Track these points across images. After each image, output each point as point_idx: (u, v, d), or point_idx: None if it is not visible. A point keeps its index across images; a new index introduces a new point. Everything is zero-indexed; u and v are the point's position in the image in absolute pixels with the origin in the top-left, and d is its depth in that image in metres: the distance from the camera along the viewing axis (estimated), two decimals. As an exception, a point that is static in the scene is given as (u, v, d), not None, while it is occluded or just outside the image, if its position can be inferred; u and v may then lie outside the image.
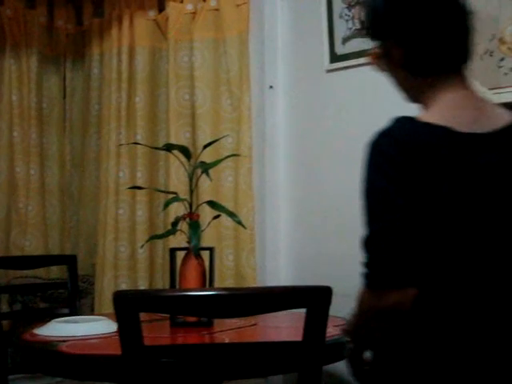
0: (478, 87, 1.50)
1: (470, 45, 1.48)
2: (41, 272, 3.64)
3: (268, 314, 2.34)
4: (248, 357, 1.59)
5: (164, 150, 2.51)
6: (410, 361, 1.42)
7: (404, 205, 1.35)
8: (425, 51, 1.44)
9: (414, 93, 1.52)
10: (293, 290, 1.67)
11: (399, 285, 1.35)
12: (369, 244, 1.37)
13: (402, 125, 1.40)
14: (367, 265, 1.37)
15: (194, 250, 2.29)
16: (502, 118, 1.47)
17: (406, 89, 1.53)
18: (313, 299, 1.54)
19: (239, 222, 2.40)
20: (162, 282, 3.51)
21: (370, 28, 1.54)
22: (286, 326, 2.37)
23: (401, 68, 1.49)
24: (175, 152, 2.50)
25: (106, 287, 3.50)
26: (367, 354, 1.48)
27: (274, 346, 1.65)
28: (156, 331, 2.29)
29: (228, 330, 2.25)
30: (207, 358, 1.60)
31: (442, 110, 1.43)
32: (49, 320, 2.35)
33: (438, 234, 1.38)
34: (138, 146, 3.45)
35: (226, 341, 2.12)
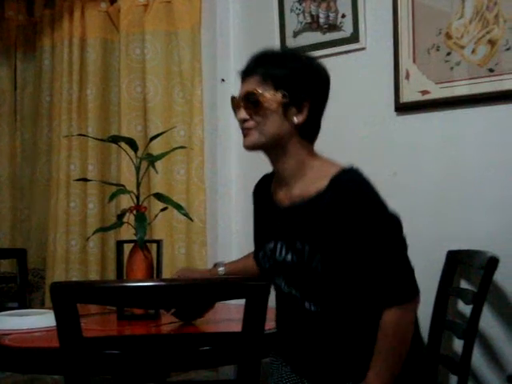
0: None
1: None
2: (-8, 266, 3.61)
3: (219, 307, 2.34)
4: (187, 348, 1.59)
5: (110, 141, 2.49)
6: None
7: None
8: (318, 121, 1.81)
9: (287, 148, 1.79)
10: (230, 280, 1.68)
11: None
12: (406, 268, 1.69)
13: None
14: (402, 285, 1.67)
15: (140, 242, 2.28)
16: None
17: (280, 140, 1.79)
18: (251, 290, 1.54)
19: (185, 215, 2.40)
20: (113, 275, 3.49)
21: (285, 79, 1.77)
22: (235, 318, 2.36)
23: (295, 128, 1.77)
24: (122, 144, 2.48)
25: (57, 281, 3.47)
26: None
27: (212, 338, 1.65)
28: (101, 324, 2.28)
29: (175, 323, 2.25)
30: (148, 349, 1.60)
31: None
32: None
33: None
34: (90, 138, 3.42)
35: (171, 332, 2.12)
